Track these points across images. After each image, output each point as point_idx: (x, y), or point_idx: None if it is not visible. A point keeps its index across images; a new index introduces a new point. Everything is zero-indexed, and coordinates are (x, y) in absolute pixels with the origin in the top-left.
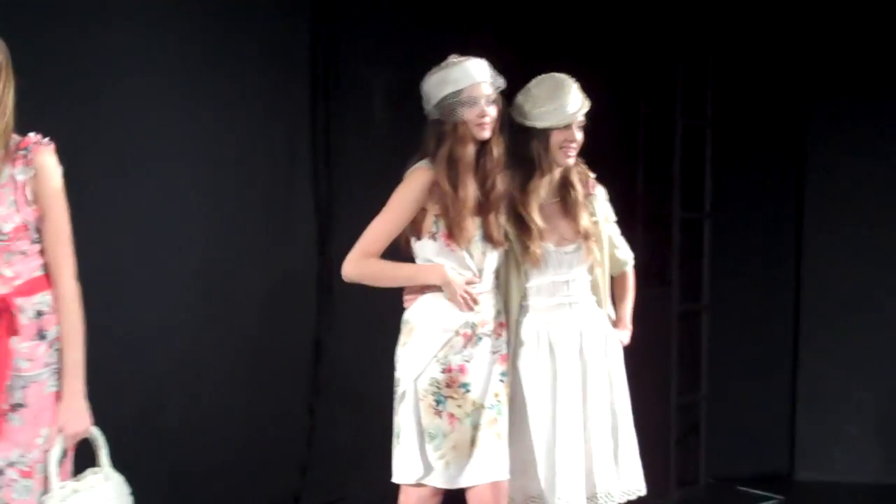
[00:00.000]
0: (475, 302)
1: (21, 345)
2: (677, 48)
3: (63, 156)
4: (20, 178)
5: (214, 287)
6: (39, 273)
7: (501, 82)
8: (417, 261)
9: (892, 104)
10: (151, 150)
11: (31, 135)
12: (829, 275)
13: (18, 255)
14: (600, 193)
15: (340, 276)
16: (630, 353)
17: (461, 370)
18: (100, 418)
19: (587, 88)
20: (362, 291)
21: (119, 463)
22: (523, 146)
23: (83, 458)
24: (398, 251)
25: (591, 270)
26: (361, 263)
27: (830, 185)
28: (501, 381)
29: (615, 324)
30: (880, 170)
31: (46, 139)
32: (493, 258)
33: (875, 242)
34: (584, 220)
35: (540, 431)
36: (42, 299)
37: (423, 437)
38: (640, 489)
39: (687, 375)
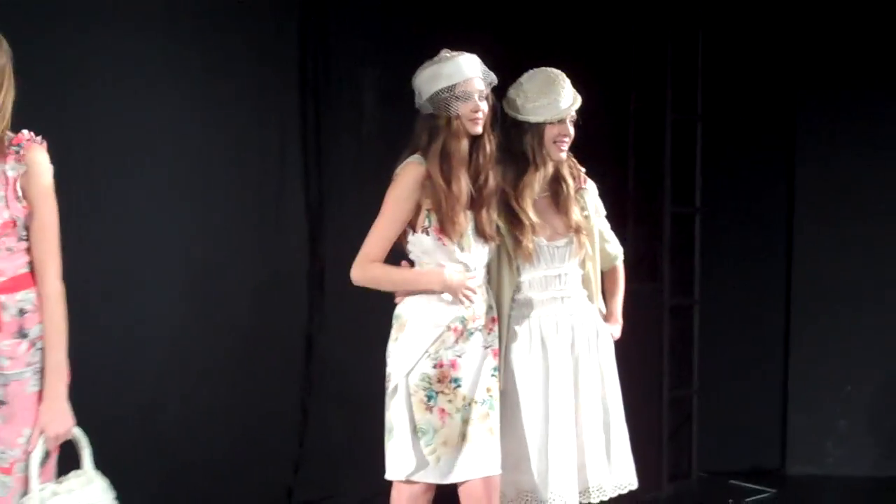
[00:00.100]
0: (475, 294)
1: (2, 342)
2: (667, 43)
3: (55, 155)
4: (11, 173)
5: (206, 286)
6: (24, 270)
7: (493, 78)
8: (413, 254)
9: (881, 99)
10: (142, 150)
11: (24, 132)
12: (820, 269)
13: (4, 252)
14: (591, 187)
15: (332, 274)
16: (621, 348)
17: (453, 365)
18: (91, 417)
19: (577, 83)
20: (354, 290)
21: (111, 461)
22: (516, 141)
23: (68, 460)
24: (398, 250)
25: (582, 264)
26: (367, 268)
27: (821, 179)
28: (493, 375)
29: (606, 318)
30: (871, 164)
31: (39, 137)
32: (484, 253)
33: (865, 236)
34: (576, 214)
35: (532, 426)
36: (25, 297)
37: (415, 433)
38: (632, 483)
39: (678, 370)
